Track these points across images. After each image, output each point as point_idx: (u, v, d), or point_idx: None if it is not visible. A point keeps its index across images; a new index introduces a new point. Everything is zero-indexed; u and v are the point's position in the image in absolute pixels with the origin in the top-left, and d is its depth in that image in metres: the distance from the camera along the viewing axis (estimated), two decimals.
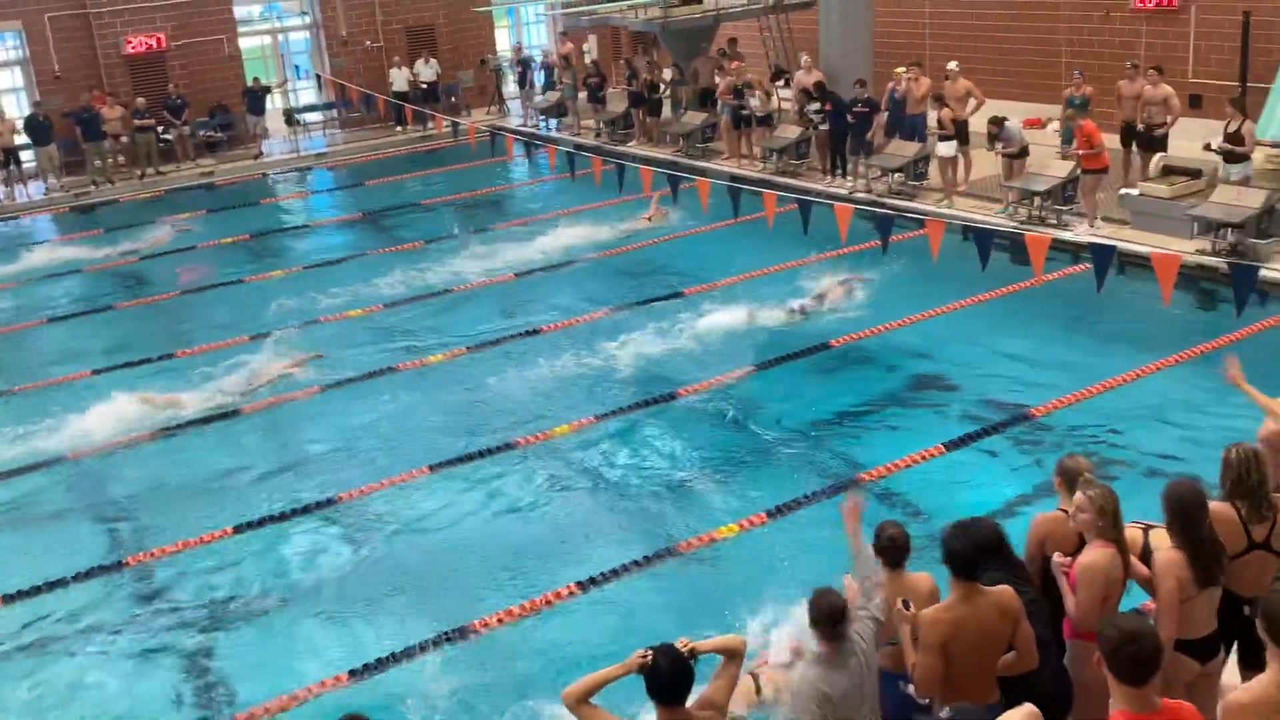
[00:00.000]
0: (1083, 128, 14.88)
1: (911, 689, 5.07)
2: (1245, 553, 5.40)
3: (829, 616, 4.96)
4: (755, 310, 13.68)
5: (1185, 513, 5.12)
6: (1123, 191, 15.28)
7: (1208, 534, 5.13)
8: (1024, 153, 16.04)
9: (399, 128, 25.54)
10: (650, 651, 4.62)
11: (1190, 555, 5.08)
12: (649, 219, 17.38)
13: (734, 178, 17.75)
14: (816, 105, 18.27)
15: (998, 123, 16.05)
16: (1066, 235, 14.30)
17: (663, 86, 22.13)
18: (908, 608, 5.04)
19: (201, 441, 11.52)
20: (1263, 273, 11.09)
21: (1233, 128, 13.75)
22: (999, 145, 16.12)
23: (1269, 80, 16.13)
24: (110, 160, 23.13)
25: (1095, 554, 5.22)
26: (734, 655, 4.91)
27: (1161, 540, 5.42)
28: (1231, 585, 5.32)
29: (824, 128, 18.26)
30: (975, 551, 5.03)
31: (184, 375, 13.02)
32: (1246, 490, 5.36)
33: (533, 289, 15.38)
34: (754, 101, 19.50)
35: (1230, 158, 13.81)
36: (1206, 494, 5.30)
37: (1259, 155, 14.20)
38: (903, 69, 18.31)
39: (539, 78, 25.88)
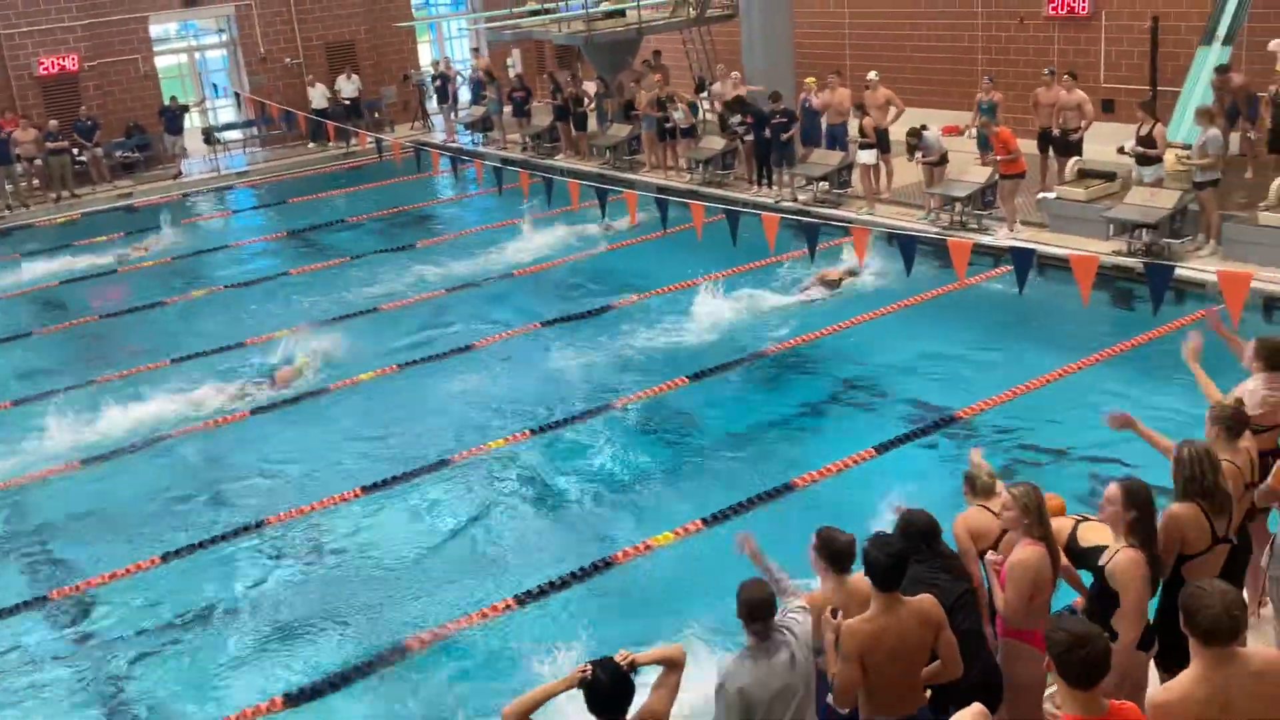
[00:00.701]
0: (999, 134, 15.18)
1: (830, 698, 5.08)
2: (1209, 549, 5.44)
3: (753, 608, 4.87)
4: (687, 320, 13.76)
5: (1151, 513, 5.17)
6: (1040, 195, 15.61)
7: (1154, 533, 5.21)
8: (944, 160, 16.33)
9: (311, 144, 25.33)
10: (590, 666, 4.61)
11: (1149, 554, 5.13)
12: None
13: (661, 189, 17.84)
14: (738, 118, 18.42)
15: (916, 134, 16.30)
16: (987, 239, 14.56)
17: (586, 100, 22.16)
18: (835, 616, 5.05)
19: (128, 469, 11.28)
20: (1177, 271, 11.37)
21: (1144, 131, 14.11)
22: (919, 155, 16.38)
23: (1178, 84, 16.59)
24: (24, 184, 22.61)
25: (1024, 553, 5.28)
26: (674, 665, 4.90)
27: (1093, 534, 5.49)
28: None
29: (749, 139, 18.42)
30: (896, 562, 4.97)
31: (107, 401, 12.74)
32: (1202, 489, 5.38)
33: (464, 304, 15.28)
34: (677, 114, 19.60)
35: (1143, 160, 14.16)
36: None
37: (1170, 157, 14.59)
38: (813, 79, 18.54)
39: (464, 92, 25.82)
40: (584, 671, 4.59)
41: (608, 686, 4.55)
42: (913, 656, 5.03)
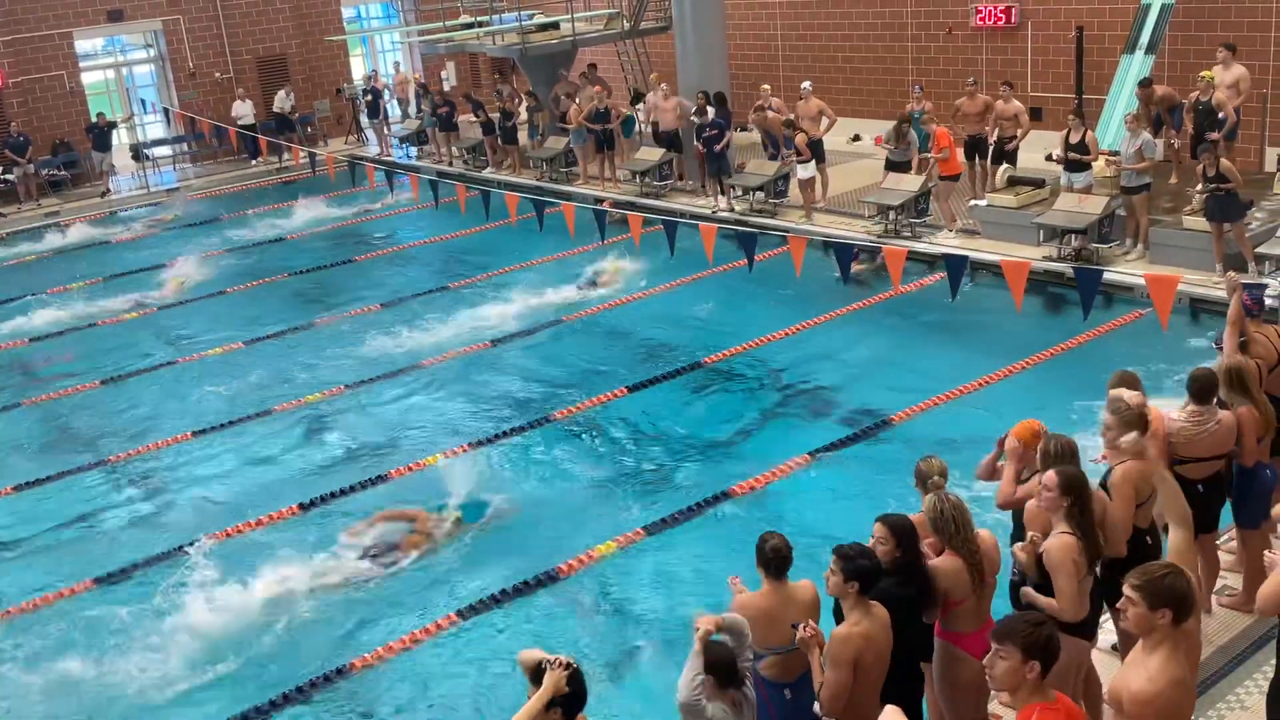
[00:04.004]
0: (938, 133, 15.38)
1: (817, 707, 5.09)
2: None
3: (726, 672, 4.90)
4: (624, 331, 13.76)
5: (1087, 499, 5.33)
6: (972, 203, 15.83)
7: (1093, 519, 5.36)
8: (903, 167, 16.29)
9: (254, 162, 25.07)
10: (566, 666, 4.55)
11: (1085, 540, 5.26)
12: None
13: (598, 201, 17.83)
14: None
15: (908, 120, 16.39)
16: (922, 246, 14.70)
17: (516, 115, 22.05)
18: (798, 628, 5.09)
19: (56, 495, 11.05)
20: (1106, 275, 11.60)
21: (1075, 138, 14.36)
22: (892, 145, 16.40)
23: (1102, 92, 16.95)
24: None
25: (938, 561, 5.44)
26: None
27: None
28: None
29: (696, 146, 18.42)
30: (878, 567, 5.14)
31: (28, 425, 12.51)
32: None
33: (404, 319, 15.13)
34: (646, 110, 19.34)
35: (1073, 167, 14.41)
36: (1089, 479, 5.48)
37: (1098, 163, 14.86)
38: (768, 87, 18.64)
39: (393, 106, 25.68)
40: (563, 670, 4.52)
41: (582, 691, 4.56)
42: (885, 660, 5.12)
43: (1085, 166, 14.37)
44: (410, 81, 25.84)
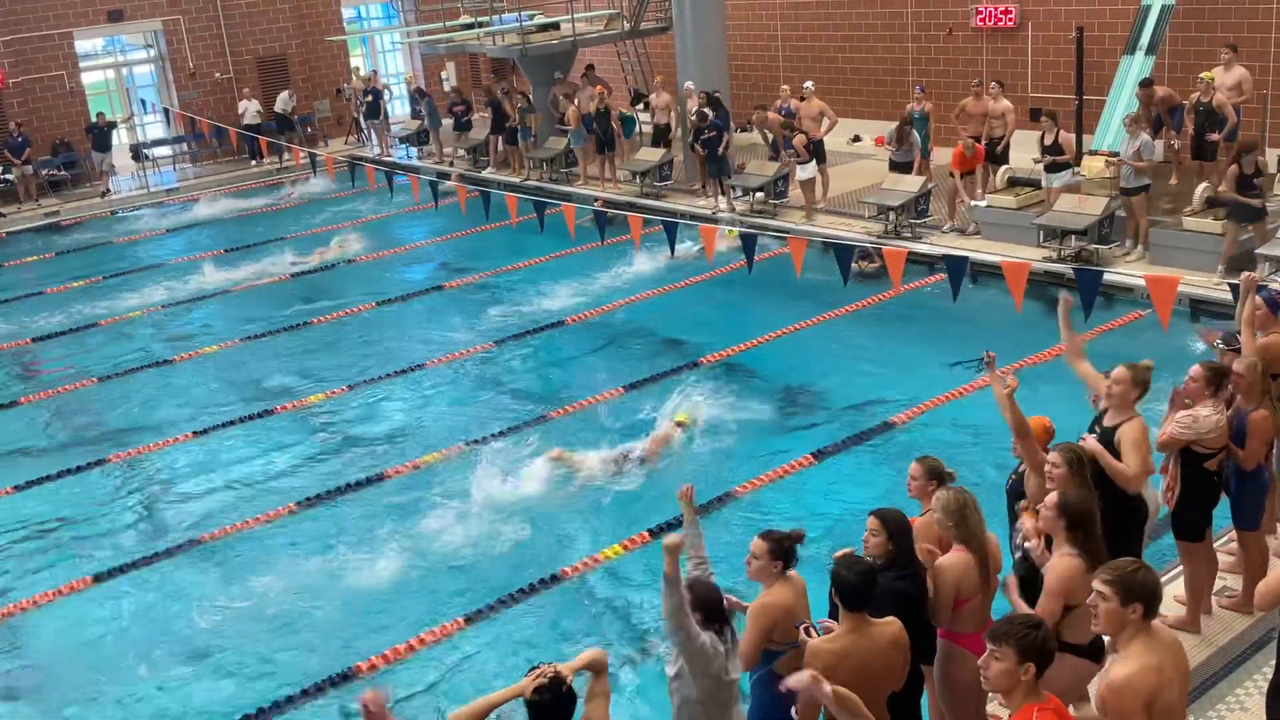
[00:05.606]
0: (978, 149, 15.51)
1: (794, 711, 5.11)
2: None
3: (713, 607, 5.08)
4: (622, 332, 13.75)
5: (1086, 521, 5.28)
6: (972, 204, 15.85)
7: (1099, 539, 5.32)
8: (906, 167, 16.31)
9: (254, 162, 25.06)
10: (538, 681, 4.55)
11: (1091, 564, 5.14)
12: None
13: (594, 201, 17.81)
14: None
15: (910, 122, 16.42)
16: (921, 247, 14.71)
17: (513, 115, 22.04)
18: (807, 632, 5.09)
19: (57, 492, 11.07)
20: (1106, 276, 11.60)
21: (1049, 139, 14.41)
22: (894, 147, 16.42)
23: (1103, 93, 16.96)
24: None
25: (946, 557, 5.42)
26: (600, 670, 4.86)
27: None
28: None
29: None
30: (864, 581, 4.93)
31: (31, 423, 12.50)
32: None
33: (404, 319, 15.14)
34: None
35: (1052, 168, 14.44)
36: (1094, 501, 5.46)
37: (1098, 164, 14.84)
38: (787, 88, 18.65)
39: (390, 108, 25.72)
40: (538, 677, 4.51)
41: (551, 704, 4.52)
42: (879, 679, 4.98)
43: (1063, 167, 14.41)
44: (380, 86, 25.79)
